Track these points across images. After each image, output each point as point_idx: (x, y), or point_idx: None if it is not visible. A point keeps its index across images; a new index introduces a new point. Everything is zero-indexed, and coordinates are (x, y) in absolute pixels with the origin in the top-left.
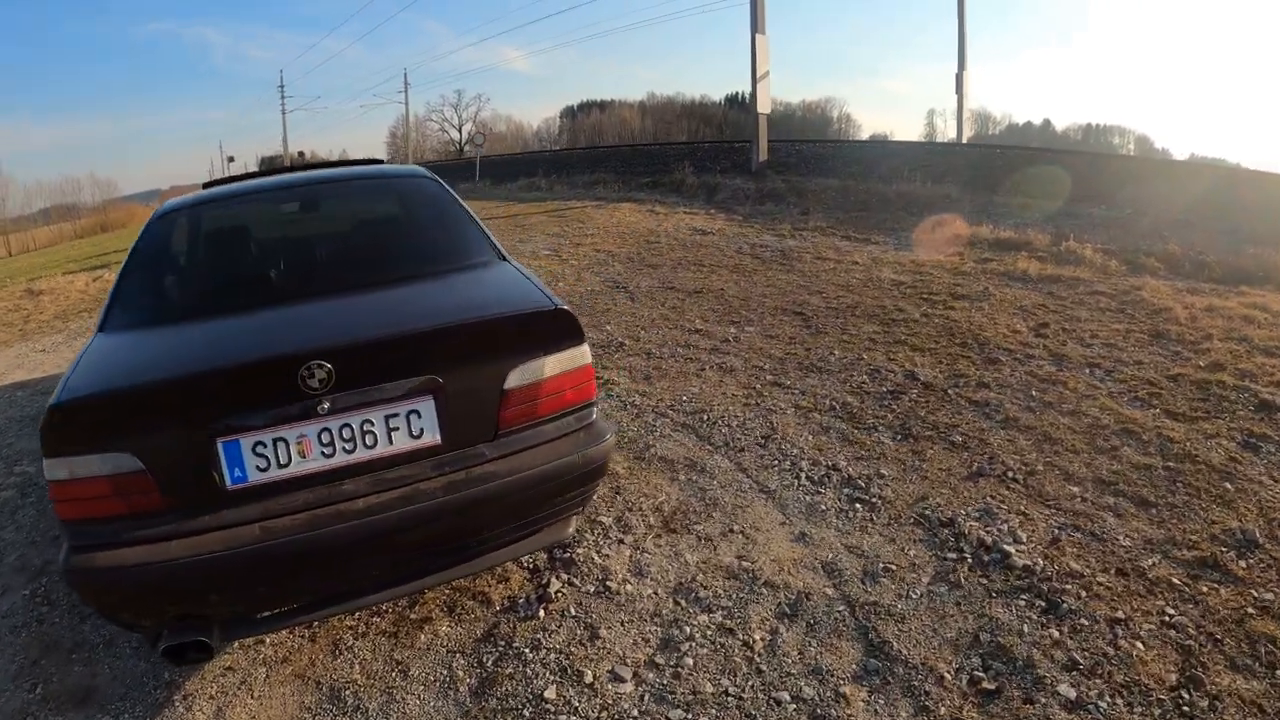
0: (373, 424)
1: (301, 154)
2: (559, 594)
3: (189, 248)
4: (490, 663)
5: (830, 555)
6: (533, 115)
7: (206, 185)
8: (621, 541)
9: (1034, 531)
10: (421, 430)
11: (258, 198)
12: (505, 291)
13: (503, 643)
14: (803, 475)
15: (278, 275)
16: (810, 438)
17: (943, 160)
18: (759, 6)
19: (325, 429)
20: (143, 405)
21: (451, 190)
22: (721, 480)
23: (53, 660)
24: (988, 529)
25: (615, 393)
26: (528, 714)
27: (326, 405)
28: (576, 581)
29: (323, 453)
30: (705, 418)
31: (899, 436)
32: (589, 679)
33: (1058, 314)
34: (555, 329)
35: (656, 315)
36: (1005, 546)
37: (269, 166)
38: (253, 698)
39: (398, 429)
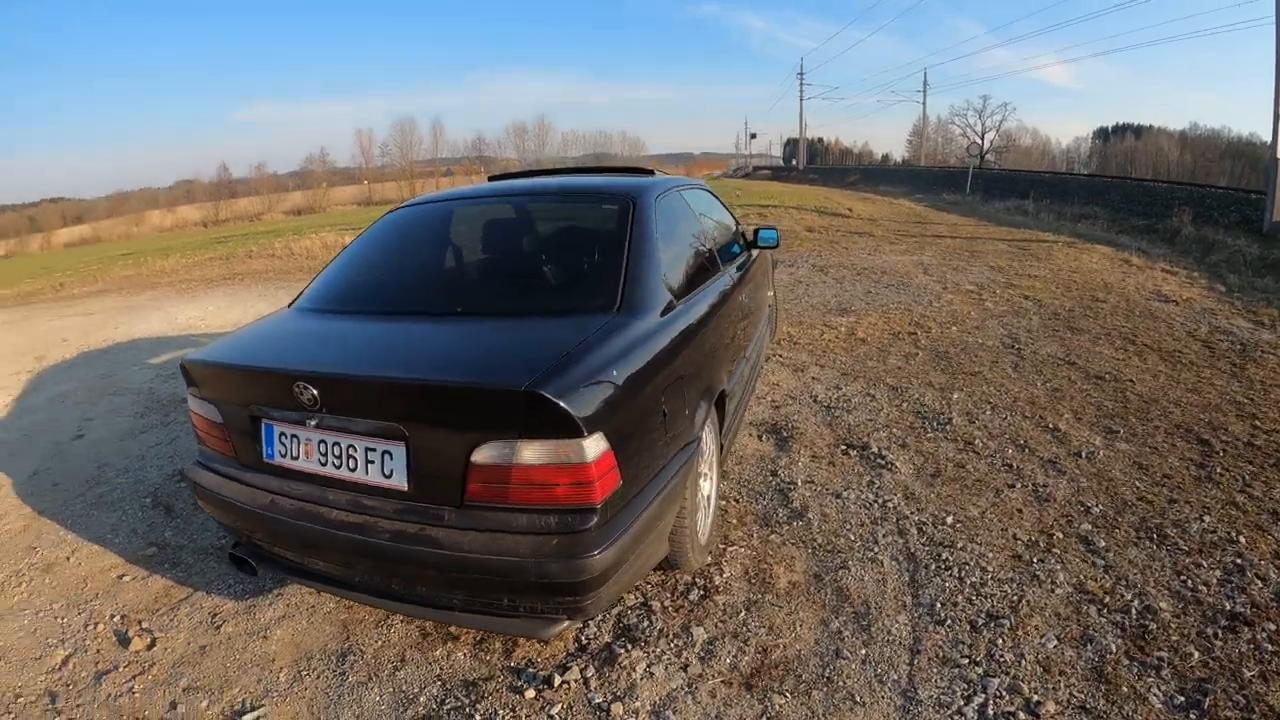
0: (355, 450)
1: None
2: (564, 685)
3: (380, 246)
4: (446, 707)
5: None
6: (1062, 131)
7: (491, 179)
8: (685, 668)
9: None
10: (391, 472)
11: (472, 204)
12: (516, 355)
13: (473, 696)
14: (978, 700)
15: (400, 287)
16: (1049, 646)
17: None
18: None
19: (323, 440)
20: (222, 378)
21: (642, 221)
22: (873, 654)
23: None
24: None
25: (881, 482)
26: None
27: (314, 421)
28: (594, 684)
29: (319, 459)
30: (945, 557)
31: (1181, 702)
32: None
33: None
34: (529, 414)
35: (1023, 396)
36: None
37: (527, 170)
38: (306, 621)
39: (373, 463)
